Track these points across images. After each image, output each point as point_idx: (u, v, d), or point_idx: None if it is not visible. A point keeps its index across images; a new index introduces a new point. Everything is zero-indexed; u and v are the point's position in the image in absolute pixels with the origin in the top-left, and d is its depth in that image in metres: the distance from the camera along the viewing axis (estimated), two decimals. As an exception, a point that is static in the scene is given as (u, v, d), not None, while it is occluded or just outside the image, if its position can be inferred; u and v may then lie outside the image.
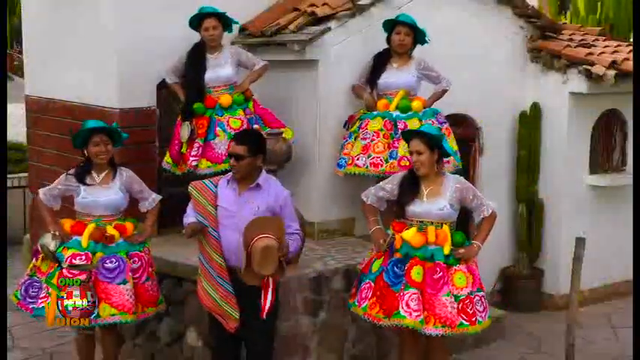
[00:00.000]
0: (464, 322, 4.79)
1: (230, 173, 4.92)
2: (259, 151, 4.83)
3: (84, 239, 5.04)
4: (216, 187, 4.87)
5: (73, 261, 4.99)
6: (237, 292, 4.76)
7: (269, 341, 4.91)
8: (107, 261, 5.03)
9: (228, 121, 5.98)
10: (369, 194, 5.14)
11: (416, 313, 4.74)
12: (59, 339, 6.40)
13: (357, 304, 4.99)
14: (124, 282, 5.04)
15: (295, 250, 4.89)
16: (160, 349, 5.88)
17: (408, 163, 5.86)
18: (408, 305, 4.74)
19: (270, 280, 4.67)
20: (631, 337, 6.54)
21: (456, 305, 4.78)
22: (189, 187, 4.95)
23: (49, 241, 5.03)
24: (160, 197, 5.45)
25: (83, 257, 5.00)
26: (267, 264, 4.57)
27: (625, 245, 7.66)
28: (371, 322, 4.91)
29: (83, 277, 4.93)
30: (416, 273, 4.80)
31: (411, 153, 4.94)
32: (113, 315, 4.98)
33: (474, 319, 4.83)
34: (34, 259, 5.18)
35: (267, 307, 4.67)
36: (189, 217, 4.90)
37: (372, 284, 4.93)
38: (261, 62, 6.22)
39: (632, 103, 6.42)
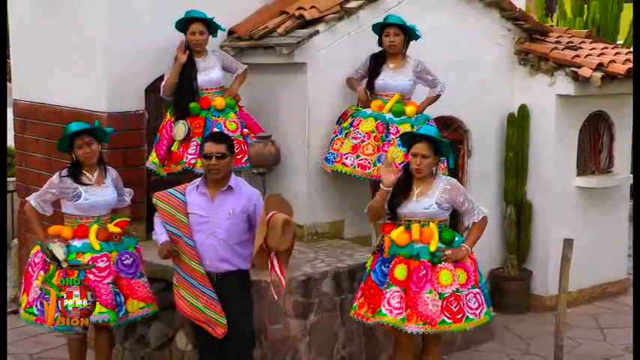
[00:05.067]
0: (446, 319, 4.78)
1: (197, 180, 4.94)
2: (233, 151, 4.96)
3: (94, 242, 5.04)
4: (183, 195, 4.86)
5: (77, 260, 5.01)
6: (219, 299, 4.79)
7: (251, 345, 4.92)
8: (123, 258, 5.10)
9: (225, 123, 6.00)
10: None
11: (397, 311, 4.76)
12: (47, 345, 6.36)
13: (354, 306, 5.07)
14: (142, 275, 5.18)
15: None
16: (149, 353, 5.86)
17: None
18: (389, 303, 4.79)
19: (276, 260, 4.73)
20: (619, 337, 6.61)
21: (439, 303, 4.78)
22: (154, 199, 4.93)
23: (58, 253, 4.99)
24: (132, 191, 5.48)
25: (104, 258, 5.03)
26: (286, 239, 4.67)
27: (613, 246, 7.71)
28: (359, 320, 4.95)
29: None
30: (399, 271, 4.83)
31: (414, 155, 4.92)
32: (142, 308, 5.13)
33: (459, 316, 4.82)
34: (42, 272, 5.08)
35: (283, 280, 4.78)
36: (161, 236, 4.85)
37: (362, 284, 5.02)
38: (242, 66, 6.29)
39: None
